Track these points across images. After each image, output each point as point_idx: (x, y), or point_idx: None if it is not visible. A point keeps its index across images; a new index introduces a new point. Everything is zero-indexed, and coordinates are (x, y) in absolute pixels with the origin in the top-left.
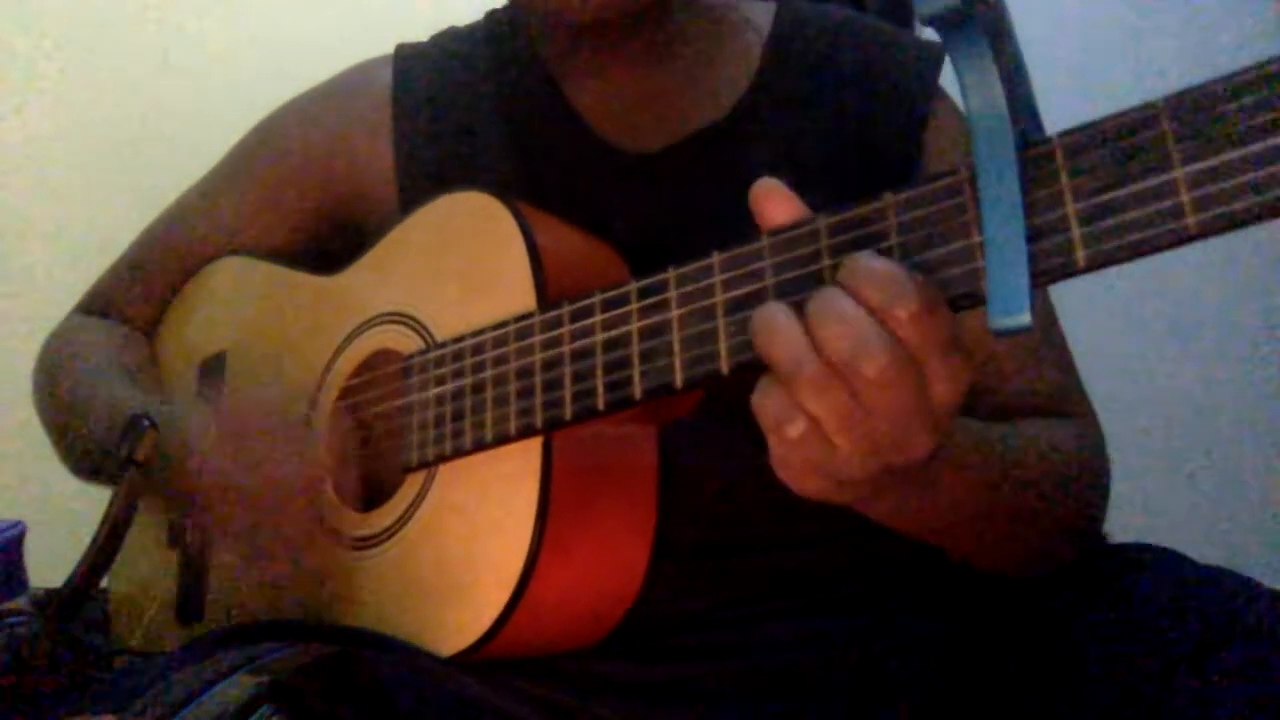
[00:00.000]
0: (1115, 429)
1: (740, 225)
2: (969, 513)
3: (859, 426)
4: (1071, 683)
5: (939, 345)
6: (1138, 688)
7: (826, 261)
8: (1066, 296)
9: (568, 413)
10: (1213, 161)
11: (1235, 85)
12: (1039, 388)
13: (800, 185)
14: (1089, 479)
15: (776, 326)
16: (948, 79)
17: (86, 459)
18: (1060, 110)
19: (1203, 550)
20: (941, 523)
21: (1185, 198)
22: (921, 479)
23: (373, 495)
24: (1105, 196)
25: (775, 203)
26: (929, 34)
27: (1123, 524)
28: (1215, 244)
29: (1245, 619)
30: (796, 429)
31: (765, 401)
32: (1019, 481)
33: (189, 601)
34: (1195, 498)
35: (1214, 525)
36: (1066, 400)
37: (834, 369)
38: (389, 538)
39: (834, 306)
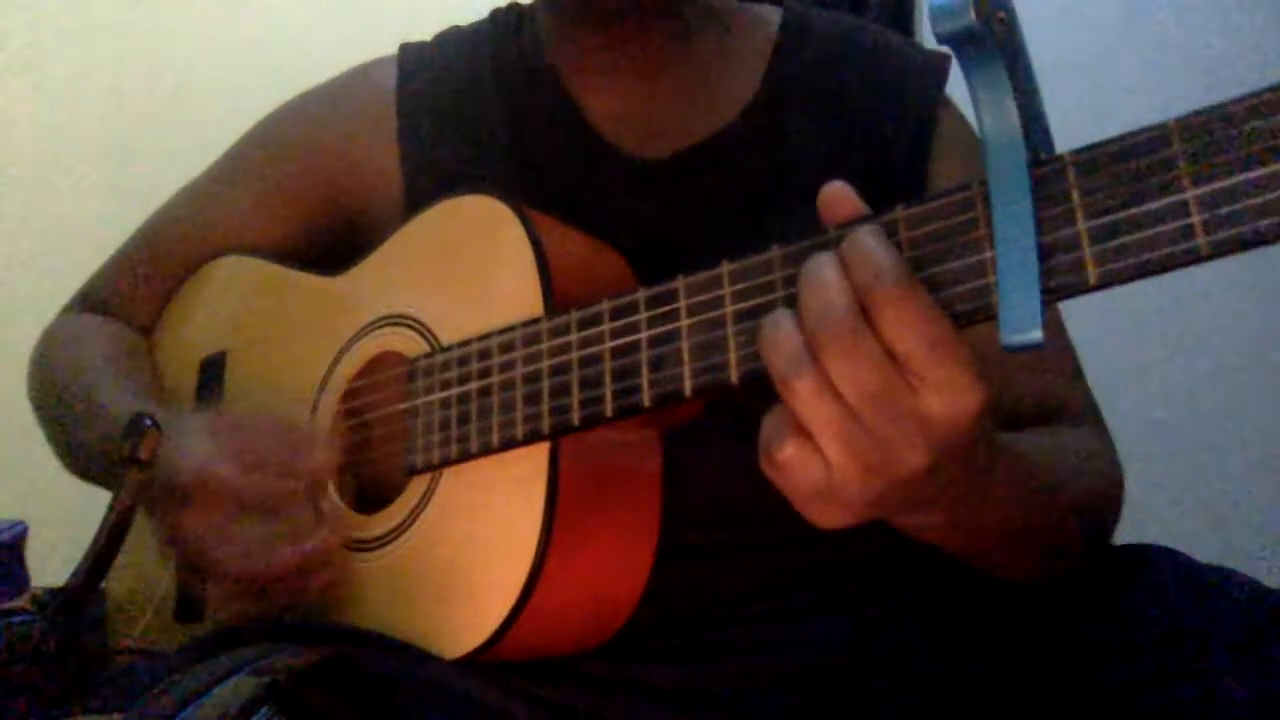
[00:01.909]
0: (1115, 429)
1: (746, 232)
2: (1015, 529)
3: (850, 436)
4: (1072, 683)
5: (925, 348)
6: (1138, 687)
7: None
8: (1067, 300)
9: (575, 419)
10: (1224, 183)
11: (1247, 107)
12: (1049, 393)
13: (806, 192)
14: (1112, 489)
15: (779, 330)
16: (955, 90)
17: (84, 458)
18: (1072, 129)
19: (1203, 550)
20: (987, 539)
21: (1196, 219)
22: (968, 496)
23: (376, 498)
24: (1116, 215)
25: (840, 204)
26: (931, 41)
27: (1123, 524)
28: None
29: (1246, 618)
30: (784, 452)
31: (763, 429)
32: (1056, 496)
33: (188, 601)
34: (1196, 498)
35: (1214, 525)
36: (1076, 405)
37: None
38: (392, 540)
39: (817, 272)
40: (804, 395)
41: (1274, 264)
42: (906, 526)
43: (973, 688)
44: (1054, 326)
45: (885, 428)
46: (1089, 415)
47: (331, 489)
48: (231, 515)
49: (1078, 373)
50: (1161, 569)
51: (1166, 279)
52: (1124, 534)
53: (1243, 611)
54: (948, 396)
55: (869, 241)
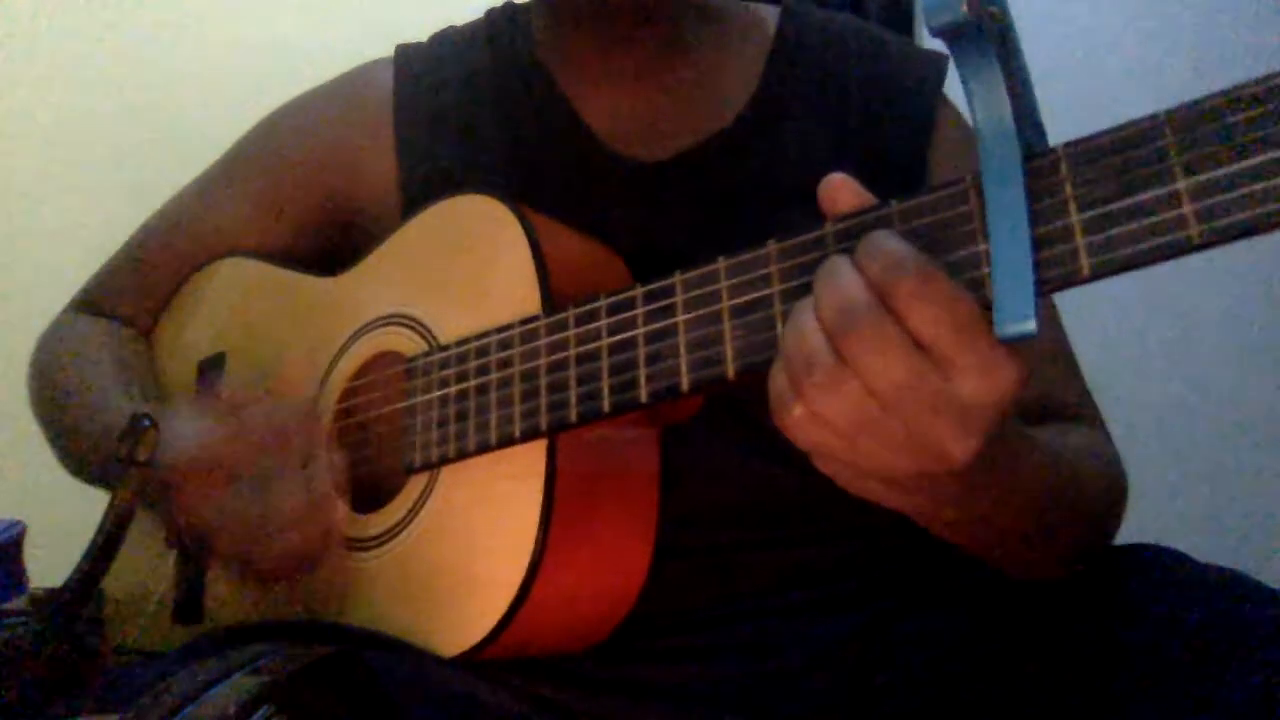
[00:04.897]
0: (1116, 428)
1: (745, 234)
2: (1030, 521)
3: (875, 427)
4: (1073, 683)
5: (953, 332)
6: (1139, 687)
7: None
8: (1066, 298)
9: (573, 415)
10: (1215, 174)
11: (1238, 98)
12: (1048, 391)
13: (805, 193)
14: (1115, 486)
15: (801, 324)
16: (951, 88)
17: (82, 459)
18: (1064, 122)
19: (1203, 550)
20: (1005, 531)
21: (1188, 209)
22: (987, 485)
23: (374, 496)
24: (1109, 207)
25: (841, 194)
26: (930, 42)
27: (1123, 524)
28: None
29: (1246, 618)
30: (796, 422)
31: (776, 393)
32: (1075, 489)
33: (188, 602)
34: (1195, 498)
35: (1214, 525)
36: (1076, 404)
37: (843, 364)
38: (391, 539)
39: (832, 271)
40: (820, 391)
41: (1274, 261)
42: (921, 513)
43: (973, 688)
44: (1051, 325)
45: (921, 417)
46: (1088, 413)
47: (322, 465)
48: (228, 490)
49: (1076, 371)
50: (1161, 569)
51: (1167, 277)
52: (1124, 534)
53: (1243, 611)
54: (982, 377)
55: (883, 236)
